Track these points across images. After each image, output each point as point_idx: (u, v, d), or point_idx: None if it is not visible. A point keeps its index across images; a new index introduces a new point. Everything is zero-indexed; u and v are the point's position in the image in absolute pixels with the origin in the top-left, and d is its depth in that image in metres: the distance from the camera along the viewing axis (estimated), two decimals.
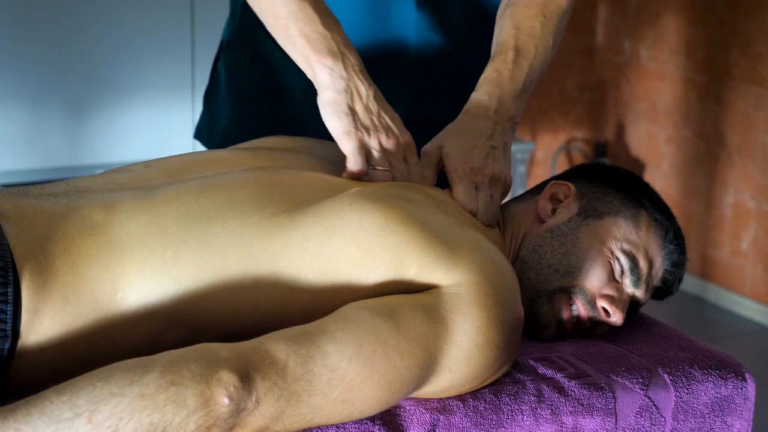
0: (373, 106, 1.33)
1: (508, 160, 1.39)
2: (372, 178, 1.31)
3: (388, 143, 1.32)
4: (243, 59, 1.68)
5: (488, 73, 1.44)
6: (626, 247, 1.33)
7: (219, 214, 1.16)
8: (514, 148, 3.58)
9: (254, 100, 1.67)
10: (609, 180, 1.42)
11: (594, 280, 1.32)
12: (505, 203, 1.46)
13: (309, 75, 1.35)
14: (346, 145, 1.31)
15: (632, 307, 1.36)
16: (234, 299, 1.13)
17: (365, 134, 1.31)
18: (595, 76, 4.09)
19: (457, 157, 1.36)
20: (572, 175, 1.46)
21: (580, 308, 1.32)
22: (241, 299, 1.13)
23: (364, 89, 1.33)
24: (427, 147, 1.39)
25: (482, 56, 1.48)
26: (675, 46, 3.75)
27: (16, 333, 1.06)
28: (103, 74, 3.33)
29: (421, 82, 1.61)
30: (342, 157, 1.33)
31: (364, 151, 1.31)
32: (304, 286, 1.14)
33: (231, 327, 1.13)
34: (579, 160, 4.11)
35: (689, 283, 3.68)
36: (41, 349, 1.07)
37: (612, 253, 1.33)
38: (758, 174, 3.47)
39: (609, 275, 1.33)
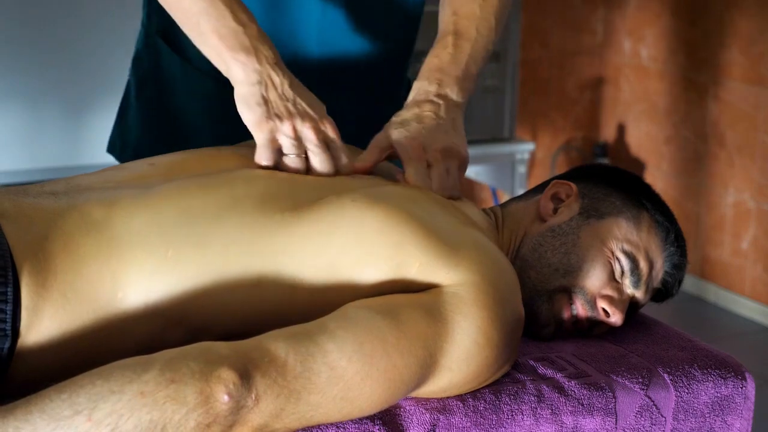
0: (289, 93, 1.30)
1: (459, 134, 1.38)
2: (285, 168, 1.28)
3: (304, 127, 1.29)
4: (149, 71, 1.65)
5: (429, 59, 1.44)
6: (627, 247, 1.33)
7: (221, 211, 1.16)
8: (515, 148, 3.58)
9: (161, 111, 1.64)
10: (611, 181, 1.41)
11: (594, 280, 1.32)
12: (506, 202, 1.46)
13: (223, 71, 1.33)
14: (257, 136, 1.28)
15: (631, 307, 1.36)
16: (235, 298, 1.13)
17: (277, 122, 1.28)
18: (595, 76, 4.09)
19: (406, 140, 1.34)
20: (574, 175, 1.46)
21: (579, 308, 1.32)
22: (243, 298, 1.13)
23: (278, 78, 1.30)
24: (376, 137, 1.37)
25: (401, 51, 1.47)
26: (675, 46, 3.75)
27: (15, 332, 1.05)
28: (102, 74, 3.33)
29: (333, 80, 1.58)
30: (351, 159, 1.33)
31: (275, 143, 1.28)
32: (306, 283, 1.14)
33: (232, 327, 1.13)
34: (579, 160, 4.11)
35: (689, 283, 3.68)
36: (41, 348, 1.07)
37: (612, 253, 1.33)
38: (758, 174, 3.47)
39: (609, 275, 1.32)
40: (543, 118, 4.08)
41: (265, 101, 1.29)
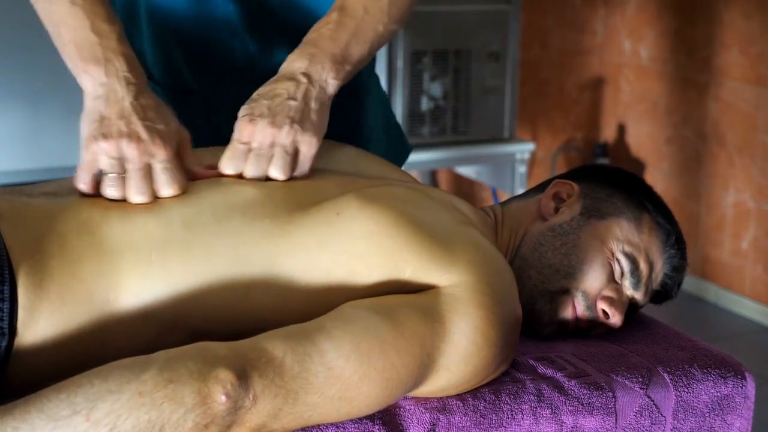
0: (127, 110, 1.21)
1: (308, 120, 1.28)
2: (102, 190, 1.19)
3: (129, 148, 1.18)
4: None
5: (308, 33, 1.36)
6: (627, 248, 1.33)
7: (198, 216, 1.16)
8: (515, 148, 3.58)
9: None
10: (612, 181, 1.41)
11: (594, 281, 1.31)
12: (506, 200, 1.46)
13: (80, 84, 1.28)
14: (82, 155, 1.21)
15: (631, 309, 1.36)
16: (226, 304, 1.13)
17: (101, 142, 1.19)
18: (595, 76, 4.09)
19: (242, 120, 1.27)
20: (576, 175, 1.45)
21: (578, 311, 1.32)
22: (234, 305, 1.13)
23: (122, 93, 1.22)
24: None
25: None
26: (675, 46, 3.75)
27: (12, 331, 1.05)
28: None
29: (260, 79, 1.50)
30: (339, 158, 1.32)
31: (95, 165, 1.19)
32: (299, 292, 1.14)
33: (228, 331, 1.12)
34: (579, 160, 4.11)
35: (689, 282, 3.68)
36: (38, 348, 1.07)
37: (613, 254, 1.33)
38: (758, 174, 3.47)
39: (609, 276, 1.32)
40: (543, 118, 4.08)
41: (102, 118, 1.21)
